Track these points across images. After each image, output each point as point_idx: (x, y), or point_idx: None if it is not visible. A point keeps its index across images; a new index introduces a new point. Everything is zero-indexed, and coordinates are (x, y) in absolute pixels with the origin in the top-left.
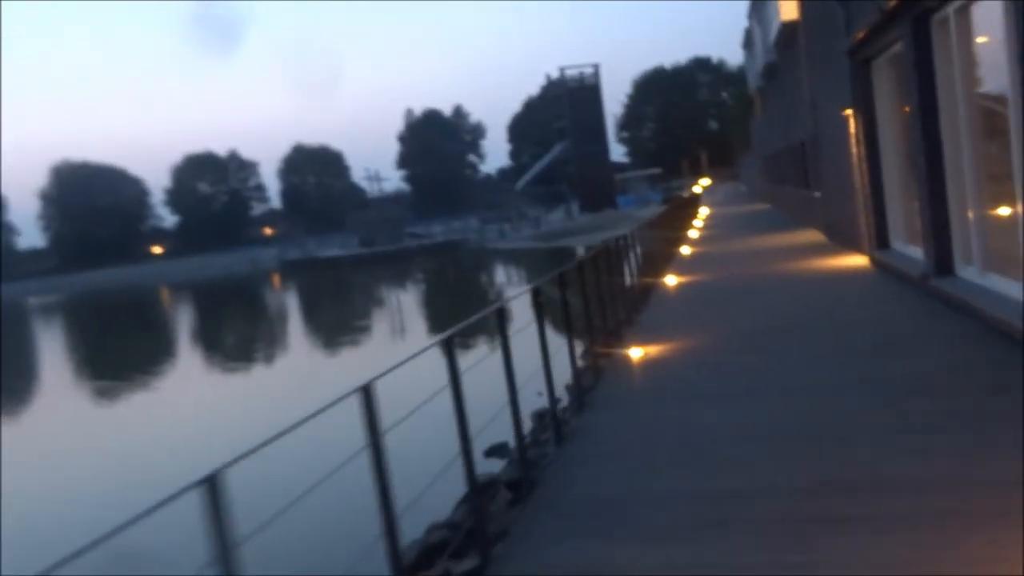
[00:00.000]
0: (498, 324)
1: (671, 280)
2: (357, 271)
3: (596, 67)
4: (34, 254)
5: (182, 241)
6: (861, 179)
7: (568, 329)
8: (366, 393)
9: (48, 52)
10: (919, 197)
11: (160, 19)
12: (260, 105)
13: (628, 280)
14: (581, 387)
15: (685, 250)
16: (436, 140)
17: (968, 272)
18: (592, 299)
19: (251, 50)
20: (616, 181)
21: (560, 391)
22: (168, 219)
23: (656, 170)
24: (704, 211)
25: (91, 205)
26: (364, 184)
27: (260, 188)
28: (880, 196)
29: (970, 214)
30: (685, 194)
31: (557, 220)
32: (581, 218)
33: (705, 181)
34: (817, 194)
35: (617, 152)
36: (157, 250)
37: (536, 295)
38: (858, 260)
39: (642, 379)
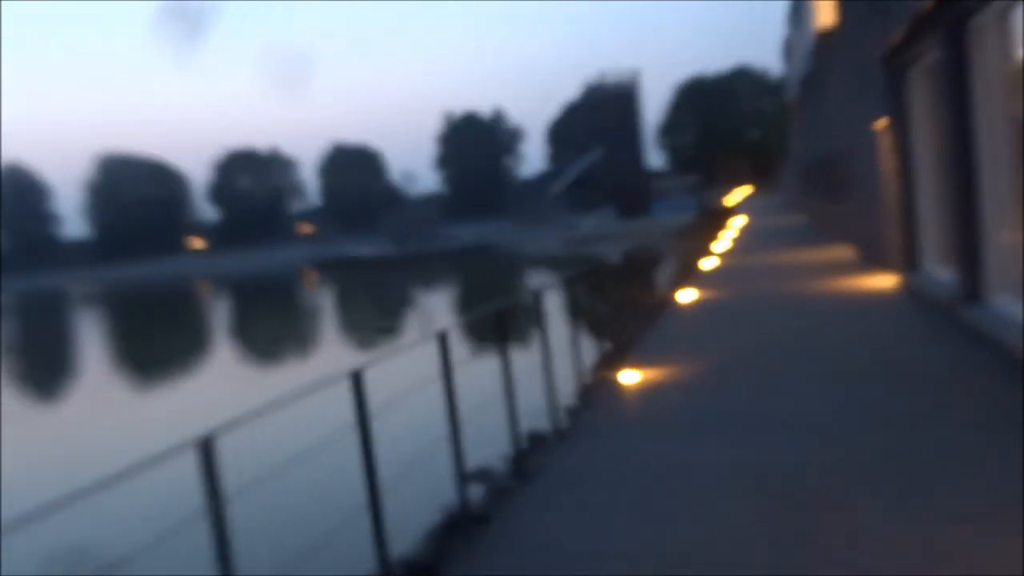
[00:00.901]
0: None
1: (688, 295)
2: (385, 272)
3: (636, 72)
4: (78, 244)
5: (222, 236)
6: (892, 195)
7: (575, 344)
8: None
9: (92, 42)
10: (951, 217)
11: (202, 13)
12: (301, 102)
13: (639, 296)
14: (558, 416)
15: (710, 263)
16: (474, 142)
17: (1001, 302)
18: (598, 317)
19: (293, 47)
20: (653, 188)
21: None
22: (209, 213)
23: (694, 178)
24: (737, 222)
25: (134, 197)
26: (400, 184)
27: (299, 185)
28: (912, 213)
29: (1006, 239)
30: (720, 203)
31: (590, 226)
32: (615, 225)
33: (742, 191)
34: (849, 209)
35: (656, 159)
36: (197, 244)
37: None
38: (886, 281)
39: (634, 407)
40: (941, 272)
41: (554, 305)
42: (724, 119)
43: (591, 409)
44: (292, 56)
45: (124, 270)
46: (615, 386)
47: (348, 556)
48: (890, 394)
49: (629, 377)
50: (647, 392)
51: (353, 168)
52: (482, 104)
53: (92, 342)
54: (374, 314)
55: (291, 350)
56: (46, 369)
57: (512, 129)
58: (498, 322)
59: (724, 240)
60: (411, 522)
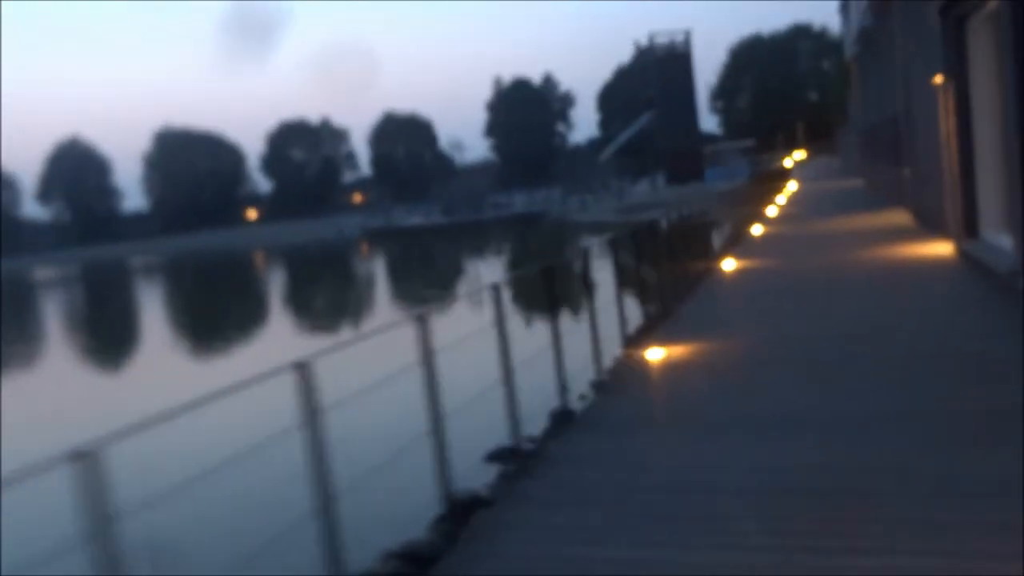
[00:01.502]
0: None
1: (733, 264)
2: (436, 240)
3: (687, 34)
4: (137, 217)
5: (275, 207)
6: (950, 157)
7: (592, 322)
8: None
9: (149, 20)
10: (1011, 181)
11: None
12: (350, 72)
13: (682, 265)
14: (566, 404)
15: (758, 229)
16: (524, 109)
17: None
18: (644, 283)
19: (345, 19)
20: (707, 153)
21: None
22: (263, 185)
23: (749, 142)
24: (792, 187)
25: (190, 170)
26: (451, 153)
27: (351, 156)
28: (971, 177)
29: None
30: (775, 168)
31: (641, 192)
32: (666, 191)
33: (799, 155)
34: (907, 172)
35: (710, 123)
36: (252, 215)
37: (549, 278)
38: (944, 248)
39: (652, 393)
40: (1001, 239)
41: (602, 273)
42: (781, 81)
43: (609, 393)
44: (343, 27)
45: (182, 241)
46: (641, 364)
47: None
48: (942, 382)
49: (655, 354)
50: (671, 375)
51: (404, 137)
52: (532, 70)
53: (153, 311)
54: (425, 283)
55: (345, 316)
56: (111, 337)
57: (563, 95)
58: (545, 284)
59: (777, 206)
60: None
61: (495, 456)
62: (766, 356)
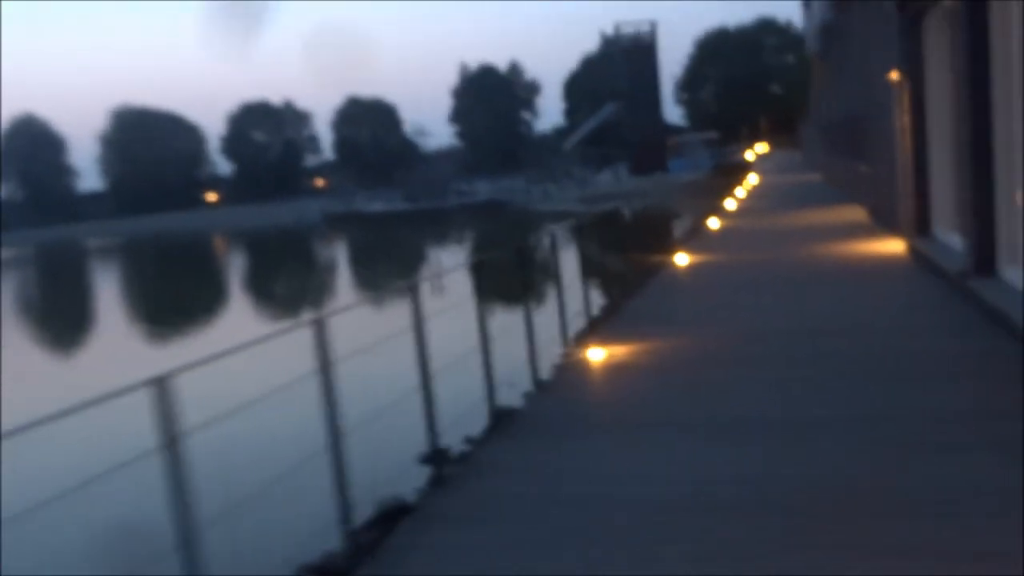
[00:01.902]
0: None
1: (687, 258)
2: (398, 227)
3: (653, 25)
4: (93, 197)
5: (236, 189)
6: (904, 154)
7: (527, 319)
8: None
9: None
10: (962, 179)
11: None
12: (313, 54)
13: (635, 258)
14: (496, 405)
15: (717, 223)
16: (490, 96)
17: (1013, 275)
18: (589, 277)
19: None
20: (671, 144)
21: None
22: (224, 167)
23: (714, 134)
24: (753, 180)
25: (149, 150)
26: (415, 139)
27: (314, 139)
28: (924, 175)
29: (1021, 204)
30: (737, 161)
31: (604, 182)
32: (629, 181)
33: (762, 148)
34: (864, 169)
35: (675, 115)
36: (212, 197)
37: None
38: (897, 246)
39: (593, 394)
40: (951, 239)
41: (561, 263)
42: (746, 74)
43: (551, 392)
44: (309, 11)
45: (140, 223)
46: (585, 362)
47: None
48: (889, 378)
49: (600, 352)
50: (617, 374)
51: (367, 122)
52: (499, 58)
53: (110, 294)
54: (387, 269)
55: (304, 302)
56: (64, 320)
57: (528, 83)
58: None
59: (737, 199)
60: None
61: (428, 459)
62: (714, 355)
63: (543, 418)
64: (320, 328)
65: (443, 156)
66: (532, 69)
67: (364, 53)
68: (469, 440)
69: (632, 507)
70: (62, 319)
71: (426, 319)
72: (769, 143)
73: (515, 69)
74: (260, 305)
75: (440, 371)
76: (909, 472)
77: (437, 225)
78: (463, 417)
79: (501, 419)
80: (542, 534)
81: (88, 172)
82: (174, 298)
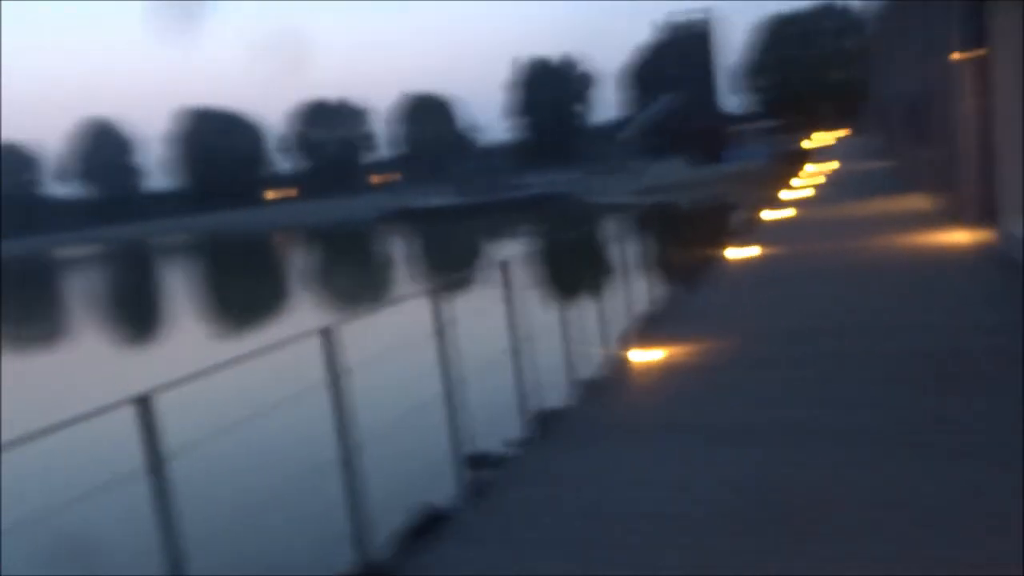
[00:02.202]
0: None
1: (742, 252)
2: (454, 222)
3: (707, 13)
4: (161, 196)
5: (297, 187)
6: (969, 139)
7: (562, 320)
8: None
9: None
10: None
11: None
12: (370, 52)
13: (692, 252)
14: (542, 406)
15: (773, 214)
16: (544, 90)
17: None
18: (646, 271)
19: None
20: (729, 134)
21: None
22: (284, 165)
23: (772, 122)
24: (812, 168)
25: (213, 150)
26: (471, 133)
27: (371, 136)
28: (992, 161)
29: None
30: (798, 150)
31: (661, 174)
32: (687, 172)
33: (824, 136)
34: (929, 155)
35: (733, 103)
36: (271, 195)
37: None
38: (962, 236)
39: (644, 395)
40: (1021, 228)
41: (618, 257)
42: (805, 60)
43: (600, 392)
44: (360, 8)
45: (205, 220)
46: (636, 361)
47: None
48: (950, 388)
49: (650, 352)
50: (666, 375)
51: (424, 117)
52: (552, 51)
53: (180, 289)
54: (445, 263)
55: (366, 296)
56: (135, 315)
57: (583, 75)
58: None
59: (797, 189)
60: None
61: (474, 461)
62: (772, 355)
63: (590, 421)
64: (328, 337)
65: (497, 151)
66: (586, 62)
67: (419, 50)
68: (511, 443)
69: (680, 521)
70: (131, 314)
71: (476, 313)
72: (830, 131)
73: (568, 62)
74: (323, 299)
75: (483, 369)
76: (989, 488)
77: (492, 219)
78: (508, 416)
79: (546, 421)
80: (579, 548)
81: (157, 171)
82: (237, 293)
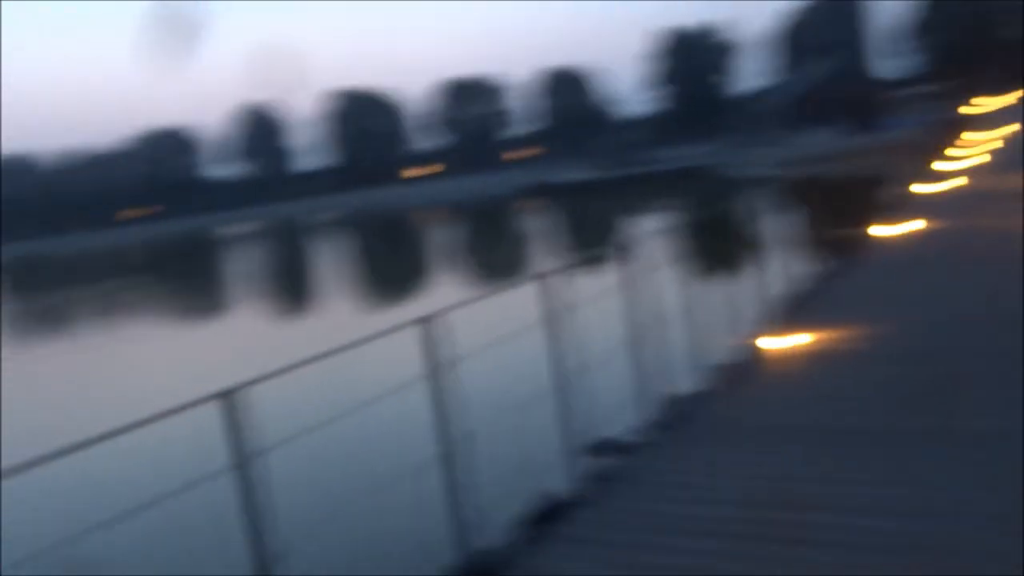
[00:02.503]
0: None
1: (894, 229)
2: (594, 196)
3: None
4: (310, 176)
5: (435, 165)
6: None
7: (695, 300)
8: None
9: None
10: None
11: None
12: (508, 26)
13: (835, 229)
14: (672, 394)
15: (932, 186)
16: (683, 60)
17: None
18: (776, 252)
19: None
20: (882, 101)
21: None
22: (424, 144)
23: (932, 87)
24: (977, 135)
25: (357, 130)
26: (611, 106)
27: (508, 112)
28: None
29: None
30: (961, 116)
31: (810, 144)
32: (837, 142)
33: (990, 101)
34: None
35: (888, 68)
36: (413, 173)
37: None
38: None
39: (786, 387)
40: None
41: (761, 232)
42: (975, 19)
43: (736, 381)
44: None
45: (354, 198)
46: (770, 350)
47: None
48: None
49: (788, 341)
50: (810, 366)
51: (562, 91)
52: (691, 18)
53: (334, 265)
54: (583, 240)
55: (504, 273)
56: (290, 288)
57: (723, 44)
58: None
59: (958, 158)
60: None
61: (597, 448)
62: (921, 346)
63: (720, 412)
64: (430, 326)
65: (637, 123)
66: (726, 30)
67: (556, 24)
68: (638, 430)
69: (823, 543)
70: (286, 288)
71: (606, 292)
72: (999, 95)
73: (708, 30)
74: (463, 275)
75: (612, 350)
76: None
77: (630, 194)
78: (636, 401)
79: (675, 409)
80: (706, 539)
81: (309, 151)
82: (382, 268)
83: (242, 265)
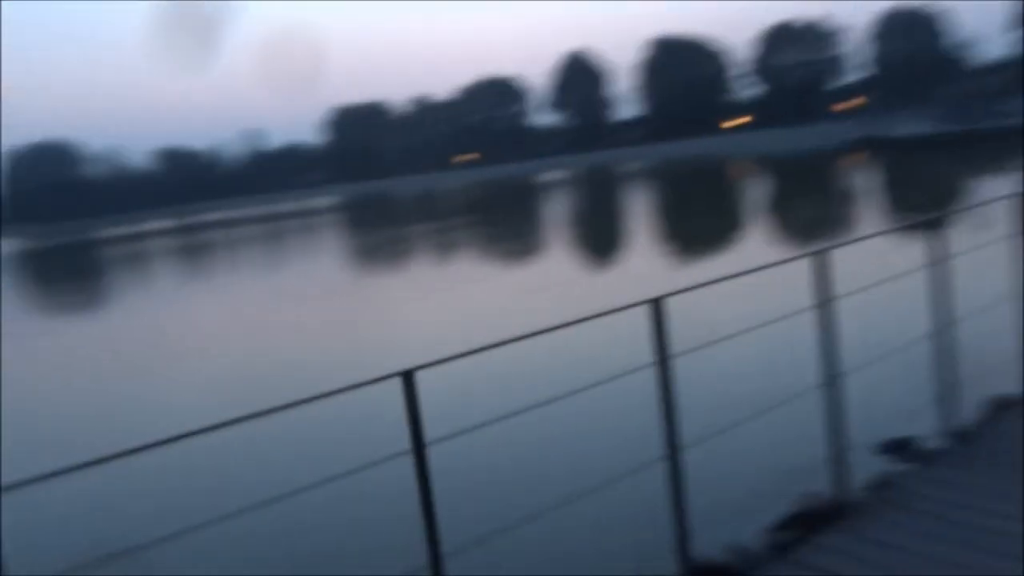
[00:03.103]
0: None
1: None
2: (934, 153)
3: None
4: (627, 125)
5: (762, 113)
6: None
7: None
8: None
9: None
10: None
11: None
12: None
13: None
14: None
15: None
16: None
17: None
18: None
19: None
20: None
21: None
22: (744, 92)
23: None
24: None
25: (679, 78)
26: (963, 51)
27: (839, 59)
28: None
29: None
30: None
31: None
32: None
33: None
34: None
35: None
36: (738, 122)
37: None
38: None
39: None
40: None
41: None
42: None
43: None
44: None
45: (668, 148)
46: None
47: None
48: None
49: None
50: None
51: (904, 34)
52: None
53: (637, 214)
54: (914, 203)
55: (818, 232)
56: (596, 237)
57: None
58: None
59: None
60: None
61: (889, 447)
62: None
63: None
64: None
65: (994, 70)
66: None
67: None
68: (945, 432)
69: None
70: (595, 237)
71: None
72: None
73: None
74: (778, 232)
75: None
76: None
77: (978, 153)
78: (938, 400)
79: (990, 418)
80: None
81: (626, 101)
82: (693, 221)
83: (550, 210)
